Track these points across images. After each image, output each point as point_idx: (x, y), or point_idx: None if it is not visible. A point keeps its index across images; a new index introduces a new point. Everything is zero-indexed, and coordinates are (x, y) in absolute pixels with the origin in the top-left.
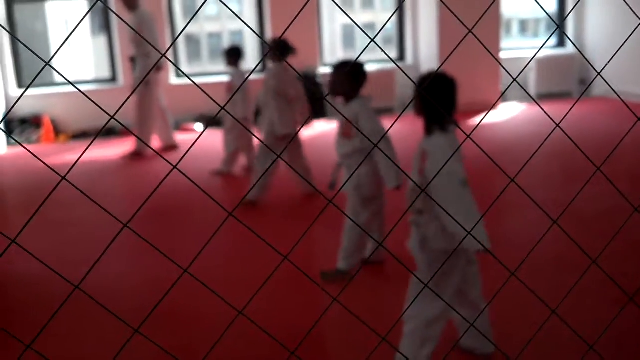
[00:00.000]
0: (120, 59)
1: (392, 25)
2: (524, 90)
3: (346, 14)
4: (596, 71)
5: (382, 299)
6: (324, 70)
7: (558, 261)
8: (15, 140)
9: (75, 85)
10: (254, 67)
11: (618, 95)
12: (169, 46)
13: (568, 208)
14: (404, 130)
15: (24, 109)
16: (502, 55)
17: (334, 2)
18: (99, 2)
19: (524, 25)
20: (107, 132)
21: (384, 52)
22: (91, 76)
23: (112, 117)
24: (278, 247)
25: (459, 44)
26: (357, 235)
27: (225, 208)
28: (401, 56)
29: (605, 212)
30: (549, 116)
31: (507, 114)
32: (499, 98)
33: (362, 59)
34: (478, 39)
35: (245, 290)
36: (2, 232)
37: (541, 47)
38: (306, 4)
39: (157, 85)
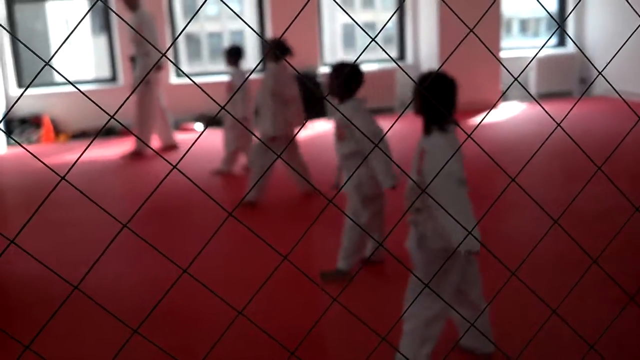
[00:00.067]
0: (120, 59)
1: (392, 24)
2: (525, 89)
3: (347, 13)
4: (597, 70)
5: (382, 299)
6: (324, 70)
7: (557, 260)
8: (15, 140)
9: (75, 85)
10: (254, 67)
11: (619, 95)
12: (169, 46)
13: (568, 207)
14: (404, 130)
15: (24, 108)
16: (503, 54)
17: (335, 1)
18: (99, 1)
19: (524, 25)
20: (107, 132)
21: (385, 52)
22: (91, 76)
23: (112, 117)
24: (278, 247)
25: (459, 44)
26: (357, 235)
27: (225, 208)
28: (401, 56)
29: (605, 211)
30: (550, 116)
31: (508, 114)
32: (500, 97)
33: (363, 58)
34: (479, 38)
35: (245, 290)
36: (1, 233)
37: (542, 47)
38: (306, 3)
39: (157, 84)
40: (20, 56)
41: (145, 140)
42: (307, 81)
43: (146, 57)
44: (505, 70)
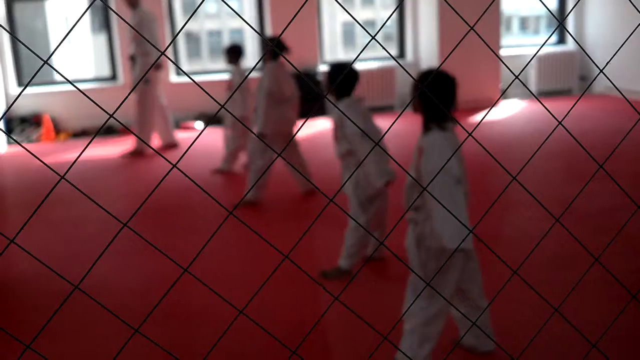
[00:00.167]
0: (120, 58)
1: (392, 22)
2: (526, 87)
3: (347, 11)
4: (598, 68)
5: (383, 298)
6: (324, 68)
7: (556, 258)
8: (14, 140)
9: (74, 83)
10: (253, 65)
11: (621, 93)
12: (168, 44)
13: (567, 205)
14: (405, 128)
15: (24, 107)
16: (503, 52)
17: None
18: (98, 0)
19: (524, 23)
20: (107, 131)
21: (385, 49)
22: (91, 74)
23: (111, 116)
24: (279, 246)
25: (460, 42)
26: (359, 235)
27: (225, 207)
28: (401, 54)
29: (605, 209)
30: (551, 114)
31: (508, 112)
32: (501, 95)
33: (363, 56)
34: (479, 36)
35: (246, 289)
36: (1, 233)
37: (543, 45)
38: (306, 1)
39: (157, 83)
40: (20, 55)
41: (145, 139)
42: (306, 79)
43: (146, 56)
44: (505, 68)
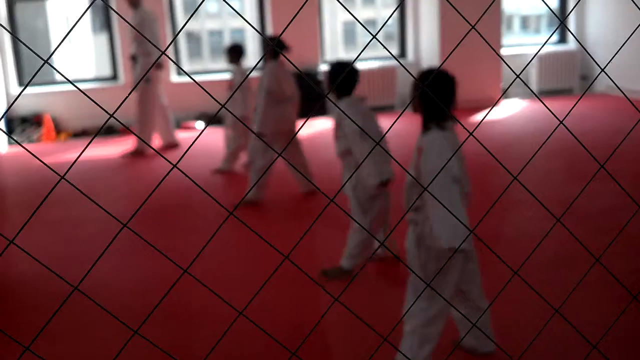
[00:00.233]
0: (121, 57)
1: (393, 22)
2: (527, 87)
3: (348, 10)
4: (600, 67)
5: (384, 299)
6: (325, 67)
7: (557, 258)
8: (14, 140)
9: (74, 83)
10: (254, 65)
11: (623, 93)
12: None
13: (570, 205)
14: (405, 128)
15: (25, 107)
16: (504, 51)
17: None
18: (99, 0)
19: (525, 22)
20: (108, 131)
21: (386, 48)
22: (92, 74)
23: (112, 116)
24: (279, 246)
25: (460, 41)
26: (363, 237)
27: (225, 207)
28: (402, 53)
29: (606, 209)
30: (552, 113)
31: (509, 111)
32: (502, 95)
33: (364, 56)
34: (481, 35)
35: (246, 289)
36: (1, 234)
37: (544, 44)
38: (307, 1)
39: (158, 83)
40: (21, 55)
41: (146, 139)
42: (307, 79)
43: (147, 56)
44: (506, 68)
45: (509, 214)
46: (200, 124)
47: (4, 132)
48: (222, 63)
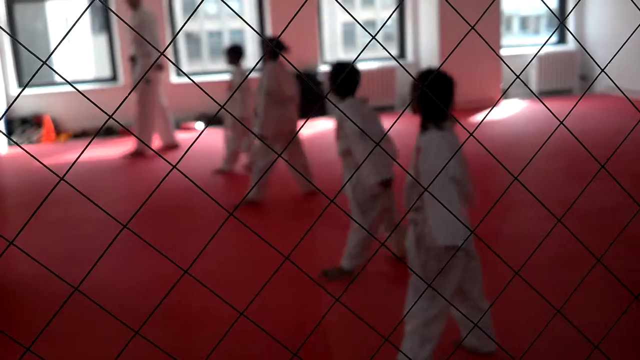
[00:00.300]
0: (120, 59)
1: (392, 22)
2: (528, 87)
3: (347, 11)
4: (600, 67)
5: (385, 299)
6: (324, 68)
7: (558, 258)
8: (13, 142)
9: (73, 84)
10: (253, 66)
11: (623, 93)
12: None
13: (571, 206)
14: (405, 128)
15: (25, 108)
16: (503, 52)
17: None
18: (98, 1)
19: (524, 22)
20: (108, 132)
21: (385, 49)
22: (92, 75)
23: (110, 117)
24: (279, 246)
25: (460, 41)
26: (362, 237)
27: (226, 208)
28: (402, 54)
29: (607, 209)
30: (552, 114)
31: (508, 111)
32: (502, 95)
33: (363, 57)
34: (480, 36)
35: (247, 290)
36: (1, 235)
37: (544, 44)
38: (306, 1)
39: (158, 84)
40: (21, 56)
41: (146, 140)
42: (307, 79)
43: (147, 57)
44: (506, 68)
45: (509, 214)
46: (199, 125)
47: (3, 133)
48: (222, 64)
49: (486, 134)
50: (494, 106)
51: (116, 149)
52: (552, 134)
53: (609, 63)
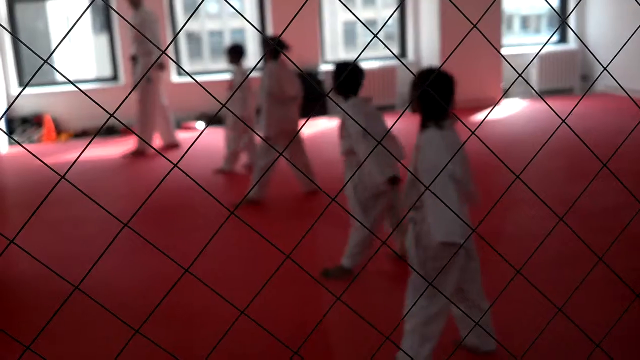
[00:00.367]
0: (121, 58)
1: (393, 21)
2: (530, 86)
3: (349, 10)
4: (602, 66)
5: (386, 298)
6: (325, 67)
7: (559, 257)
8: (15, 140)
9: (75, 83)
10: (254, 65)
11: (626, 92)
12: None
13: (572, 205)
14: (406, 127)
15: (26, 108)
16: (504, 51)
17: None
18: (100, 0)
19: (525, 21)
20: (109, 131)
21: (387, 48)
22: (92, 75)
23: (112, 115)
24: (280, 245)
25: (461, 41)
26: (363, 235)
27: (227, 207)
28: (403, 53)
29: (607, 208)
30: (555, 113)
31: (509, 110)
32: (504, 94)
33: (364, 56)
34: (483, 34)
35: (248, 289)
36: (1, 234)
37: (546, 43)
38: (306, 1)
39: (159, 83)
40: (22, 55)
41: (146, 139)
42: (309, 78)
43: (148, 56)
44: (506, 67)
45: (511, 212)
46: (200, 124)
47: (5, 132)
48: (223, 63)
49: (487, 133)
50: (495, 105)
51: (117, 148)
52: (554, 132)
53: (611, 61)
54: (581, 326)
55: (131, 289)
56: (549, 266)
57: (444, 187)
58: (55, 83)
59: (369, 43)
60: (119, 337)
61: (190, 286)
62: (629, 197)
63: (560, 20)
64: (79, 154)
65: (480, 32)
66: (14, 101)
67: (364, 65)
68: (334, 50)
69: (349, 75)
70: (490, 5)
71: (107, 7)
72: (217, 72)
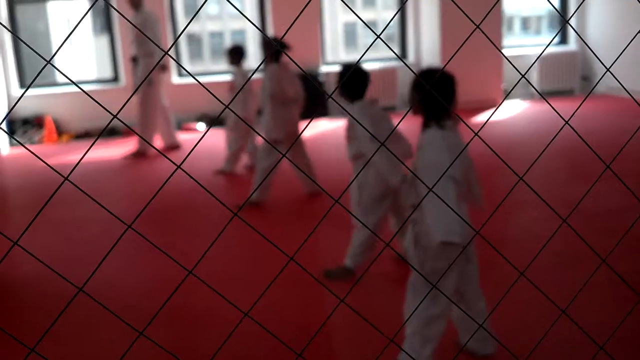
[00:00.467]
0: (122, 59)
1: (394, 23)
2: (533, 87)
3: (352, 11)
4: (605, 67)
5: (389, 299)
6: (326, 69)
7: (563, 258)
8: (17, 141)
9: (77, 83)
10: (256, 66)
11: (629, 93)
12: (170, 45)
13: (575, 206)
14: (407, 128)
15: (27, 109)
16: (504, 52)
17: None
18: (101, 1)
19: (525, 23)
20: (110, 132)
21: (390, 49)
22: (93, 76)
23: (115, 116)
24: (283, 247)
25: (464, 43)
26: (366, 236)
27: (230, 208)
28: (403, 54)
29: (612, 209)
30: (558, 114)
31: (510, 112)
32: (506, 96)
33: (365, 57)
34: (485, 35)
35: (251, 290)
36: (4, 235)
37: (548, 45)
38: (308, 2)
39: (160, 84)
40: (23, 57)
41: (148, 140)
42: (311, 79)
43: (149, 57)
44: (507, 69)
45: (514, 214)
46: (201, 126)
47: (7, 133)
48: (223, 64)
49: (488, 135)
50: (498, 106)
51: (118, 149)
52: (557, 134)
53: (614, 62)
54: (585, 328)
55: (135, 290)
56: (553, 268)
57: (443, 187)
58: (56, 84)
59: (372, 44)
60: (123, 339)
61: (194, 288)
62: (632, 198)
63: (563, 21)
64: (82, 155)
65: (484, 33)
66: (16, 103)
67: (365, 66)
68: (335, 52)
69: (355, 78)
70: (493, 6)
71: (107, 9)
72: (217, 73)
